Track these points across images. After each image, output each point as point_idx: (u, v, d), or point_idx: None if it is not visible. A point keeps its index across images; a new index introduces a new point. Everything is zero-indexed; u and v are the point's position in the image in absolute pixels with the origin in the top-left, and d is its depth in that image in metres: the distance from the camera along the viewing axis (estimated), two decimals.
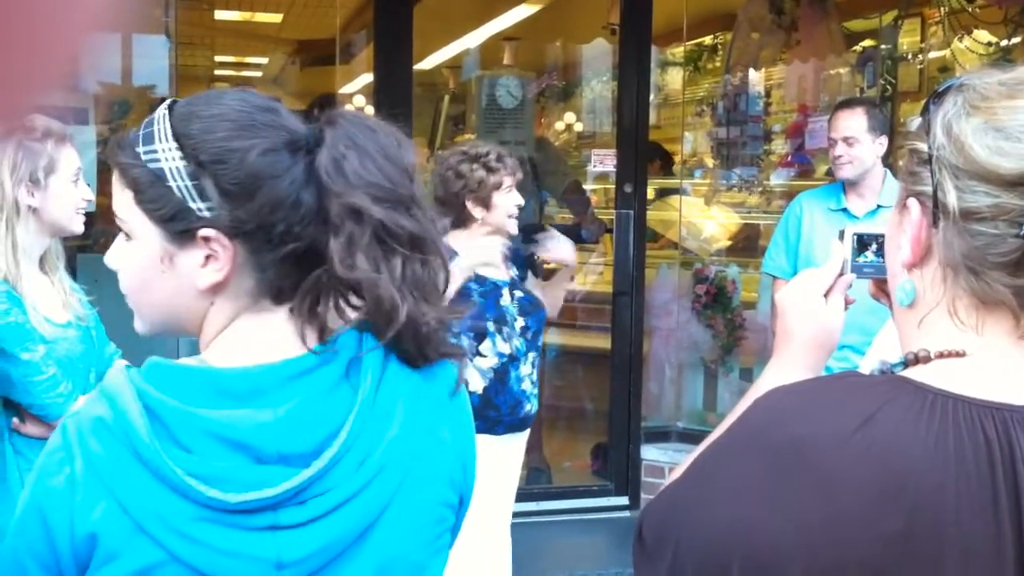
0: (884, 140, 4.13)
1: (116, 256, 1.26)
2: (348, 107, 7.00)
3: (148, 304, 1.25)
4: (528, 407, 3.61)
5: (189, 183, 1.17)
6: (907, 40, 6.69)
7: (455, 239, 3.53)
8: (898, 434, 0.98)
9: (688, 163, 7.39)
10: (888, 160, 4.22)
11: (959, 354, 1.05)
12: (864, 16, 6.80)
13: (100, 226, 5.02)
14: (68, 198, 2.66)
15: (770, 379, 1.28)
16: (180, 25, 6.18)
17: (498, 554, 3.68)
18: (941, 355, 1.05)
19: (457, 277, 3.25)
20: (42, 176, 2.60)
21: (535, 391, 3.65)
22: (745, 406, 1.14)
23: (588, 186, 7.14)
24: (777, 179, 6.96)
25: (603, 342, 6.01)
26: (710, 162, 7.37)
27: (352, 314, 1.23)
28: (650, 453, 5.82)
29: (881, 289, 1.26)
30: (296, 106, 7.81)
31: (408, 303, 1.18)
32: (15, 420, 2.64)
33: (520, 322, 3.59)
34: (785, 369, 1.30)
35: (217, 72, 9.25)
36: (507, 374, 3.54)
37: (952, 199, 1.02)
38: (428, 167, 8.24)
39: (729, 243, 6.89)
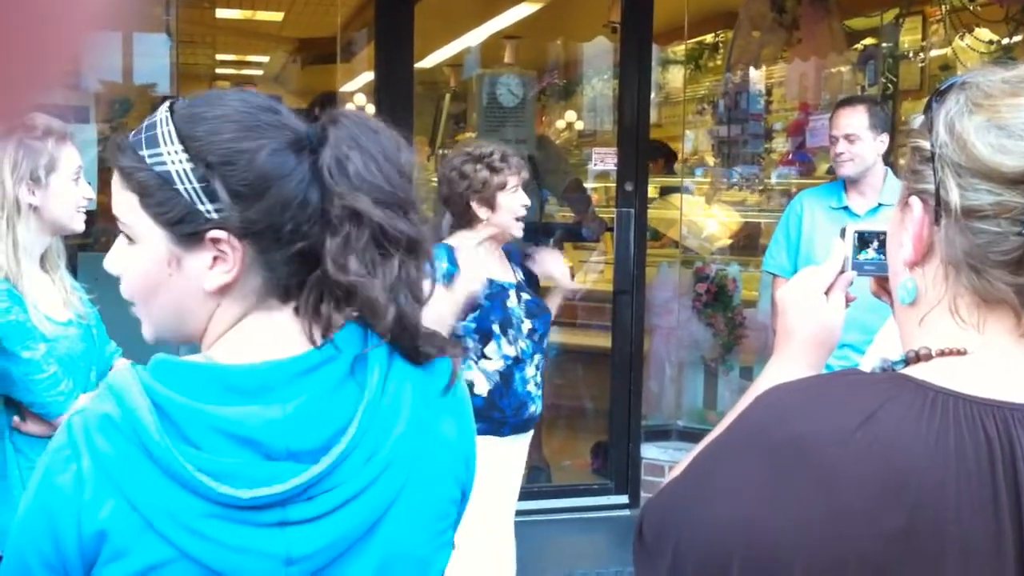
0: (885, 138, 4.13)
1: (117, 260, 1.26)
2: (349, 106, 7.01)
3: (155, 308, 1.25)
4: (532, 408, 3.60)
5: (197, 185, 1.17)
6: (908, 38, 6.69)
7: (460, 239, 3.53)
8: (899, 432, 0.98)
9: (689, 161, 7.39)
10: (889, 158, 4.22)
11: (960, 352, 1.04)
12: (865, 14, 6.80)
13: (101, 224, 5.02)
14: (69, 196, 2.66)
15: (771, 377, 1.28)
16: (181, 23, 6.18)
17: (502, 555, 3.67)
18: (942, 353, 1.05)
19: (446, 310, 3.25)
20: (43, 174, 2.60)
21: (539, 392, 3.64)
22: (745, 404, 1.14)
23: (589, 184, 7.14)
24: (778, 177, 6.96)
25: (603, 340, 6.01)
26: (711, 160, 7.37)
27: (354, 312, 1.23)
28: (650, 452, 5.82)
29: (882, 287, 1.26)
30: (297, 104, 7.82)
31: (401, 305, 1.19)
32: (16, 418, 2.64)
33: (527, 324, 3.57)
34: (786, 367, 1.30)
35: (218, 70, 9.25)
36: (512, 376, 3.52)
37: (954, 197, 1.02)
38: (429, 166, 8.26)
39: (730, 241, 6.89)
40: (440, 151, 8.51)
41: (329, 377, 1.19)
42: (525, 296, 3.64)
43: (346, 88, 7.62)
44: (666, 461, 5.68)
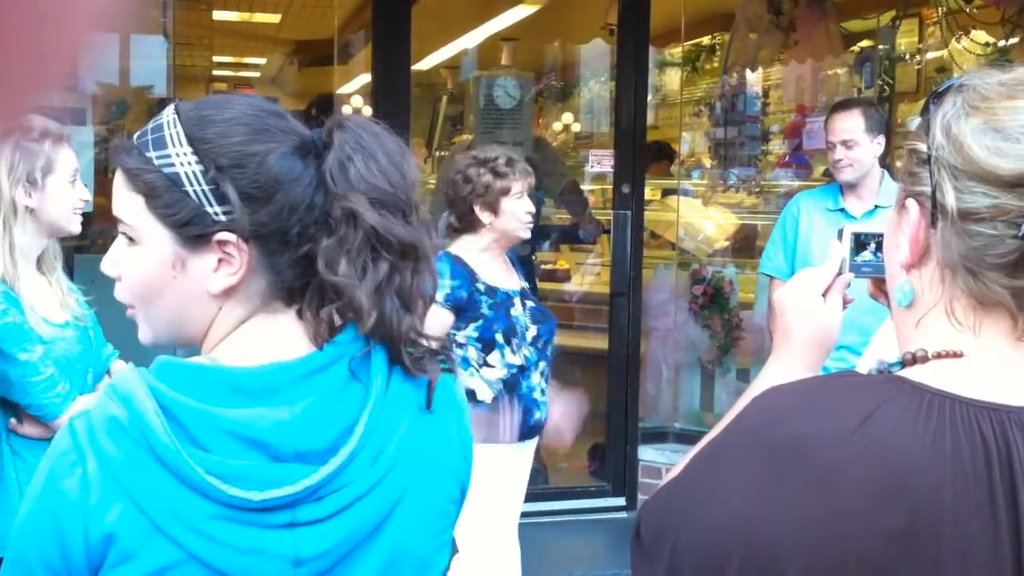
0: (882, 140, 4.12)
1: (116, 262, 1.26)
2: (346, 108, 7.01)
3: (156, 311, 1.25)
4: (538, 415, 3.57)
5: (207, 187, 1.17)
6: (905, 40, 6.70)
7: (465, 243, 3.52)
8: (896, 433, 0.98)
9: (686, 163, 7.40)
10: (886, 160, 4.22)
11: (956, 355, 1.05)
12: (862, 16, 6.81)
13: (97, 226, 5.02)
14: (65, 198, 2.66)
15: (768, 377, 1.28)
16: (178, 25, 6.18)
17: (507, 561, 3.65)
18: (939, 355, 1.05)
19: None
20: (39, 176, 2.60)
21: (545, 399, 3.61)
22: (743, 405, 1.14)
23: (586, 186, 7.14)
24: (775, 179, 6.97)
25: (600, 343, 6.01)
26: (708, 162, 7.38)
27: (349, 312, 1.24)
28: (647, 454, 5.82)
29: (880, 289, 1.26)
30: (294, 106, 7.82)
31: (385, 310, 1.19)
32: (12, 421, 2.64)
33: (532, 331, 3.54)
34: (784, 367, 1.31)
35: (215, 72, 9.26)
36: (517, 384, 3.49)
37: (951, 200, 1.02)
38: (426, 168, 8.26)
39: (727, 243, 6.90)
40: (437, 153, 8.52)
41: (335, 378, 1.19)
42: (530, 303, 3.61)
43: (343, 90, 7.63)
44: (663, 463, 5.68)
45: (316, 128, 1.25)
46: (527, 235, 3.60)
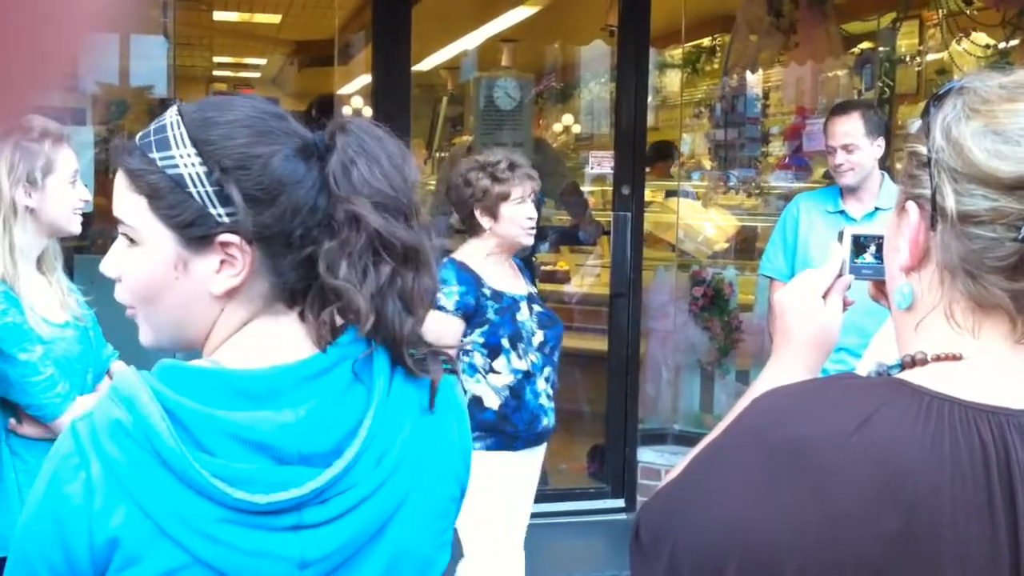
0: (881, 142, 4.11)
1: (116, 263, 1.25)
2: (346, 109, 7.02)
3: (157, 312, 1.24)
4: (545, 421, 3.53)
5: (211, 189, 1.17)
6: (905, 42, 6.71)
7: (470, 249, 3.50)
8: (895, 436, 0.98)
9: (686, 165, 7.40)
10: (886, 162, 4.21)
11: (956, 357, 1.05)
12: (862, 18, 6.81)
13: (97, 226, 5.02)
14: (65, 199, 2.66)
15: (768, 379, 1.28)
16: (178, 26, 6.19)
17: (512, 567, 3.63)
18: (938, 358, 1.05)
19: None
20: (39, 177, 2.60)
21: (552, 405, 3.57)
22: (742, 407, 1.15)
23: (586, 188, 7.14)
24: (775, 181, 6.97)
25: (600, 344, 6.01)
26: (708, 164, 7.38)
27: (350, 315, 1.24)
28: (646, 455, 5.82)
29: (881, 291, 1.26)
30: (294, 107, 7.82)
31: (386, 313, 1.19)
32: (12, 421, 2.64)
33: (539, 336, 3.50)
34: (785, 368, 1.31)
35: (215, 73, 9.26)
36: (523, 390, 3.45)
37: (950, 202, 1.02)
38: (426, 169, 8.26)
39: (726, 245, 6.90)
40: (437, 154, 8.52)
41: (338, 380, 1.20)
42: (537, 308, 3.57)
43: (343, 90, 7.63)
44: (662, 465, 5.68)
45: (318, 130, 1.25)
46: (528, 241, 3.55)
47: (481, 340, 3.39)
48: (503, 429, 3.42)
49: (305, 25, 8.59)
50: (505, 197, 3.44)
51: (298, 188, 1.18)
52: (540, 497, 5.67)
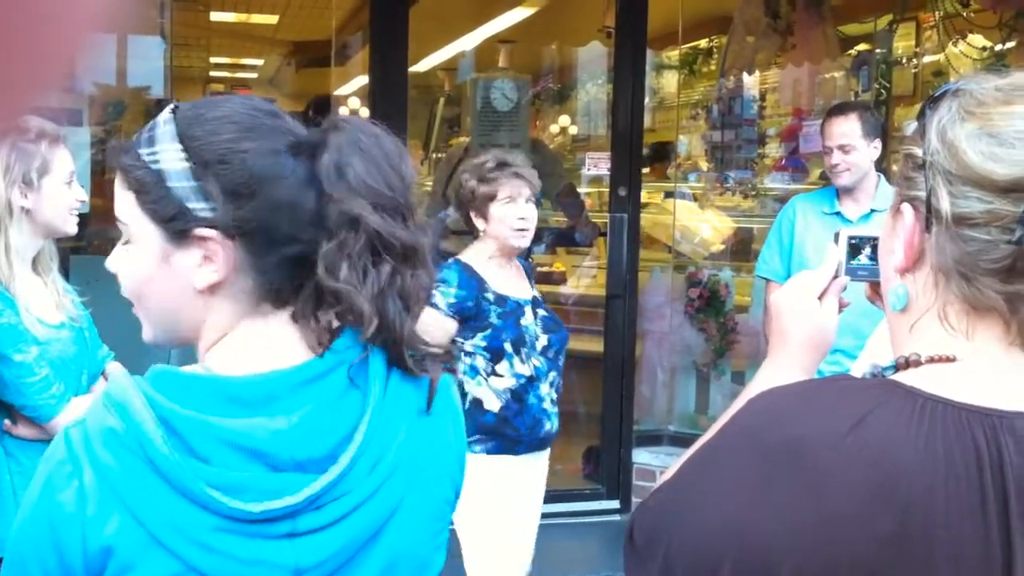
0: (878, 144, 4.12)
1: (115, 260, 1.26)
2: (343, 109, 7.01)
3: (149, 307, 1.25)
4: (548, 426, 3.48)
5: (190, 183, 1.17)
6: (902, 44, 6.71)
7: (474, 251, 3.47)
8: (889, 437, 0.99)
9: (683, 166, 7.40)
10: (882, 164, 4.22)
11: (949, 359, 1.05)
12: (859, 20, 6.81)
13: (94, 227, 5.02)
14: (61, 199, 2.65)
15: (764, 380, 1.28)
16: (175, 26, 6.18)
17: (514, 570, 3.57)
18: (932, 360, 1.06)
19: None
20: (35, 177, 2.60)
21: (555, 409, 3.52)
22: (738, 407, 1.15)
23: (583, 189, 7.14)
24: (771, 183, 6.97)
25: (596, 345, 6.01)
26: (704, 165, 7.38)
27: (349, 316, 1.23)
28: (642, 457, 5.82)
29: (877, 292, 1.26)
30: (292, 107, 7.81)
31: (388, 314, 1.18)
32: (7, 422, 2.63)
33: (543, 340, 3.45)
34: (780, 370, 1.31)
35: (212, 73, 9.26)
36: (526, 394, 3.40)
37: (945, 204, 1.02)
38: (422, 170, 8.25)
39: (722, 247, 6.90)
40: (434, 155, 8.51)
41: (333, 386, 1.19)
42: (542, 312, 3.52)
43: (340, 91, 7.62)
44: (658, 466, 5.68)
45: (313, 128, 1.25)
46: (519, 243, 3.44)
47: (483, 344, 3.35)
48: (504, 432, 3.38)
49: (302, 26, 8.59)
50: (492, 197, 3.38)
51: (280, 184, 1.17)
52: None
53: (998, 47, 5.86)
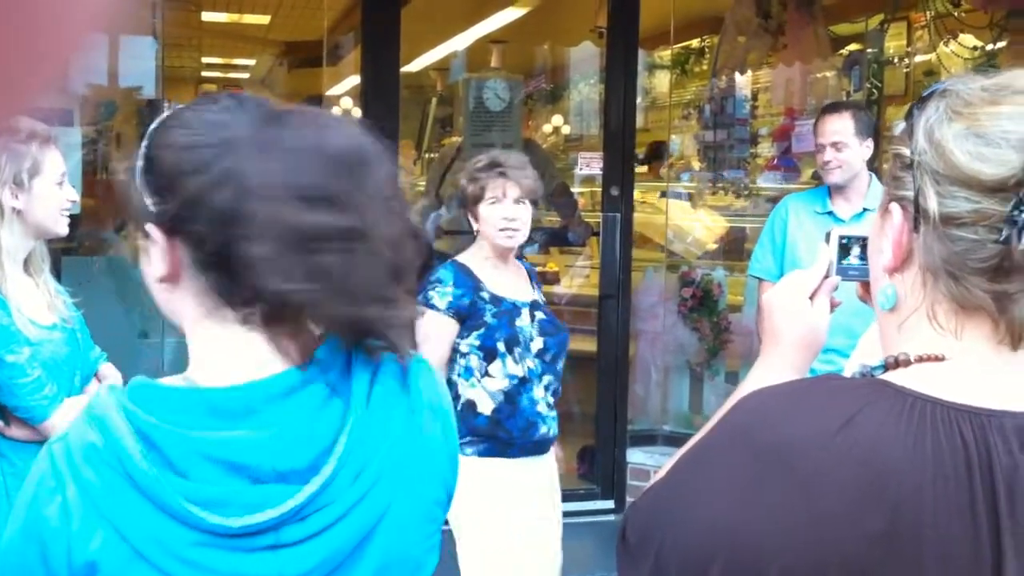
0: (871, 143, 4.13)
1: None
2: (335, 109, 7.00)
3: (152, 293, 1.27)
4: (544, 429, 3.43)
5: (141, 179, 1.19)
6: (893, 44, 6.72)
7: (471, 252, 3.45)
8: (879, 436, 0.99)
9: (675, 166, 7.41)
10: (874, 164, 4.23)
11: (938, 358, 1.05)
12: (850, 20, 6.82)
13: (85, 228, 5.01)
14: (53, 200, 2.65)
15: (756, 379, 1.29)
16: (167, 26, 6.16)
17: (511, 572, 3.48)
18: (920, 359, 1.06)
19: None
20: (26, 178, 2.59)
21: (552, 413, 3.47)
22: (729, 406, 1.15)
23: (575, 189, 7.15)
24: (763, 182, 6.98)
25: (589, 345, 6.01)
26: (697, 165, 7.39)
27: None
28: (636, 456, 5.83)
29: (868, 292, 1.26)
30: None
31: (336, 306, 1.13)
32: None
33: (538, 343, 3.40)
34: (773, 368, 1.31)
35: (204, 74, 9.22)
36: (519, 396, 3.36)
37: (933, 204, 1.03)
38: (415, 170, 8.25)
39: (715, 246, 6.91)
40: (426, 155, 8.51)
41: (314, 395, 1.17)
42: (540, 315, 3.47)
43: (332, 92, 7.62)
44: (652, 466, 5.68)
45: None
46: (506, 243, 3.38)
47: (477, 343, 3.33)
48: (496, 435, 3.35)
49: (294, 26, 8.57)
50: (479, 197, 3.35)
51: (192, 179, 1.13)
52: None
53: (989, 47, 5.88)
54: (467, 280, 3.35)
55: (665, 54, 7.43)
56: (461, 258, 3.44)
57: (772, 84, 7.07)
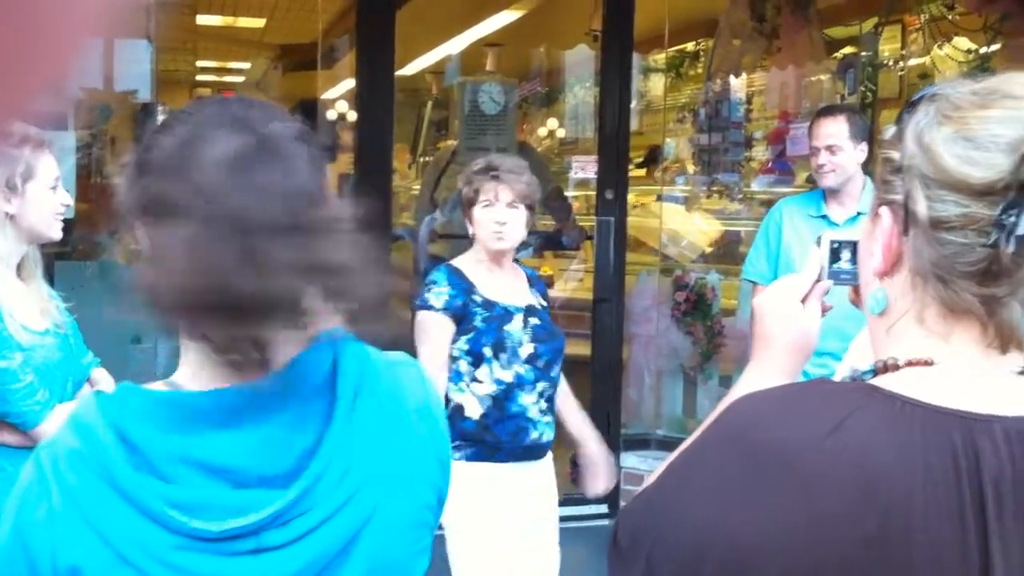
0: (865, 147, 4.13)
1: None
2: (331, 113, 7.00)
3: None
4: (535, 435, 3.40)
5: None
6: (887, 47, 6.72)
7: (466, 256, 3.44)
8: (869, 440, 0.99)
9: (670, 169, 7.41)
10: (869, 167, 4.23)
11: (927, 363, 1.05)
12: (845, 23, 6.83)
13: (79, 233, 5.00)
14: (46, 204, 2.65)
15: (748, 382, 1.29)
16: (162, 29, 6.16)
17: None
18: (910, 363, 1.06)
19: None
20: (20, 182, 2.59)
21: (546, 419, 3.44)
22: (721, 410, 1.15)
23: (570, 192, 7.16)
24: (758, 186, 6.98)
25: (583, 349, 6.01)
26: (691, 168, 7.40)
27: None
28: (630, 461, 5.82)
29: (860, 295, 1.26)
30: None
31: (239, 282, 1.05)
32: None
33: (528, 348, 3.36)
34: (765, 372, 1.31)
35: (199, 77, 9.24)
36: (507, 401, 3.33)
37: (922, 208, 1.03)
38: (410, 173, 8.25)
39: (709, 250, 6.91)
40: (421, 159, 8.52)
41: (297, 398, 1.17)
42: (534, 321, 3.43)
43: (327, 95, 7.63)
44: (646, 470, 5.67)
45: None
46: (496, 246, 3.35)
47: (466, 347, 3.32)
48: (483, 439, 3.34)
49: (289, 29, 8.58)
50: (473, 200, 3.34)
51: (123, 185, 1.18)
52: None
53: (983, 50, 5.88)
54: (460, 282, 3.34)
55: (660, 57, 7.43)
56: (456, 261, 3.44)
57: (767, 87, 7.07)
